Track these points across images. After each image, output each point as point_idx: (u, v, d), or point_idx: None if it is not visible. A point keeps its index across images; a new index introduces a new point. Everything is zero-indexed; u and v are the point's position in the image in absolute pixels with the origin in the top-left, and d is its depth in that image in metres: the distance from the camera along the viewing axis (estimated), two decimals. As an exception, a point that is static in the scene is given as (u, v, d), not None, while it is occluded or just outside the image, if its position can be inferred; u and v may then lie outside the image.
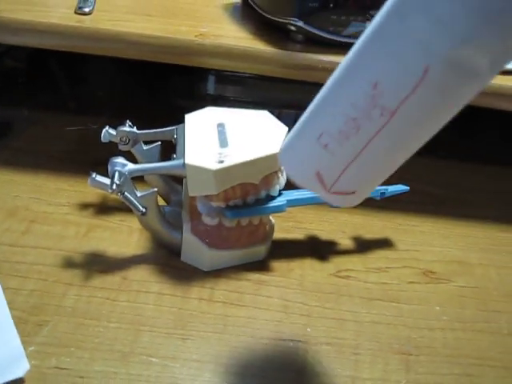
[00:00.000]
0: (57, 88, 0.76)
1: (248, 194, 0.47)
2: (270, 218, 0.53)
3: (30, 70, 0.81)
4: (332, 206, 0.45)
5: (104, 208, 0.55)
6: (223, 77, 0.83)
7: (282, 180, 0.48)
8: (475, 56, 0.20)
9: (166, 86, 0.82)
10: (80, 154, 0.63)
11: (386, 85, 0.22)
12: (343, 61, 0.24)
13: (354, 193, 0.28)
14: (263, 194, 0.47)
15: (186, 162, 0.44)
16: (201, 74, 0.84)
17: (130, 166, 0.45)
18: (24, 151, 0.63)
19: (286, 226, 0.57)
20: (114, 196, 0.45)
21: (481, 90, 0.22)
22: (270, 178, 0.47)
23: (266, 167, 0.45)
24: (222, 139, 0.46)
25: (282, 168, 0.48)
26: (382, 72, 0.22)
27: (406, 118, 0.23)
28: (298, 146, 0.28)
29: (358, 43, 0.23)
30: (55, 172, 0.59)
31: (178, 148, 0.48)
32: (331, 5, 0.50)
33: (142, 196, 0.46)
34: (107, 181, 0.44)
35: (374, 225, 0.59)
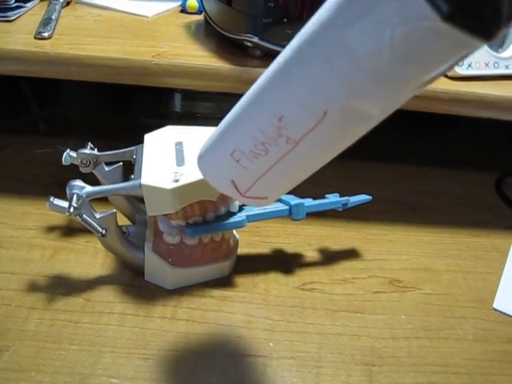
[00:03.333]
0: (27, 111, 0.76)
1: (207, 210, 0.47)
2: (235, 233, 0.53)
3: None
4: None
5: (70, 230, 0.56)
6: (189, 94, 0.83)
7: (242, 196, 0.48)
8: (368, 106, 0.22)
9: (134, 105, 0.82)
10: (48, 177, 0.63)
11: (290, 120, 0.24)
12: (255, 83, 0.25)
13: (266, 198, 0.31)
14: (223, 210, 0.48)
15: (142, 182, 0.44)
16: (167, 92, 0.84)
17: (88, 188, 0.45)
18: (-8, 175, 0.63)
19: (252, 241, 0.57)
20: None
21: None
22: (228, 195, 0.47)
23: (222, 184, 0.46)
24: (179, 158, 0.47)
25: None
26: (286, 108, 0.24)
27: (308, 147, 0.25)
28: (213, 156, 0.30)
29: (268, 71, 0.25)
30: (22, 195, 0.60)
31: (136, 168, 0.48)
32: (285, 20, 0.51)
33: (101, 217, 0.46)
34: (65, 204, 0.44)
35: (342, 236, 0.60)
